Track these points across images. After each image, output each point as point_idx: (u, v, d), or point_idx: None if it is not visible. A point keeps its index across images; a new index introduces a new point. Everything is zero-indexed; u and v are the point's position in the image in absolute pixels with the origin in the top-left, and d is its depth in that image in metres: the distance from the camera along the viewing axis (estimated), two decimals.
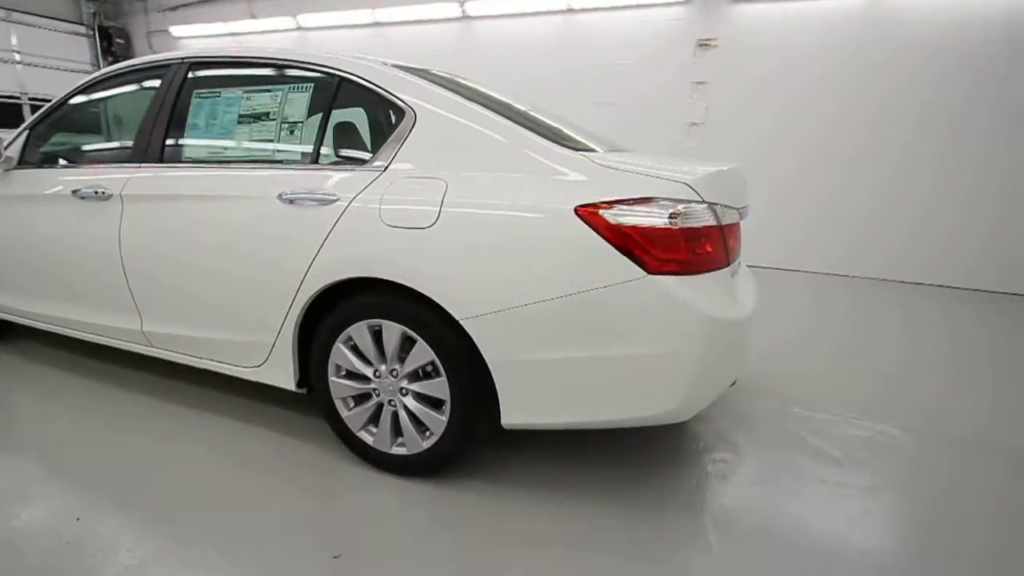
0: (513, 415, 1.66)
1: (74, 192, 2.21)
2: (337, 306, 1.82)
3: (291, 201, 1.81)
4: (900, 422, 2.36)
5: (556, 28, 5.91)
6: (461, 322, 1.61)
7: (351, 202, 1.72)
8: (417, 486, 1.83)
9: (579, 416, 1.65)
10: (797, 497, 1.85)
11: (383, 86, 1.81)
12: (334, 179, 1.80)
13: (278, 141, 1.93)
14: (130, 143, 2.20)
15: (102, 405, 2.32)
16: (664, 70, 5.50)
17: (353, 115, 1.99)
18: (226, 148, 2.02)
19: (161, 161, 2.11)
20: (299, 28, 7.14)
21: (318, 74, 1.91)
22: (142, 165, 2.13)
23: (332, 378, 1.88)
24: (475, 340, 1.61)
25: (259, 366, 2.02)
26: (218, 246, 1.94)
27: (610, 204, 1.52)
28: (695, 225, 1.52)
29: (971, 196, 4.74)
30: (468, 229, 1.61)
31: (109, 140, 2.53)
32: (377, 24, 6.61)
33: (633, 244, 1.49)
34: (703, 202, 1.54)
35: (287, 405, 2.31)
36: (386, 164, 1.76)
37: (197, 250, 1.99)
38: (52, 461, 1.93)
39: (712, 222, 1.56)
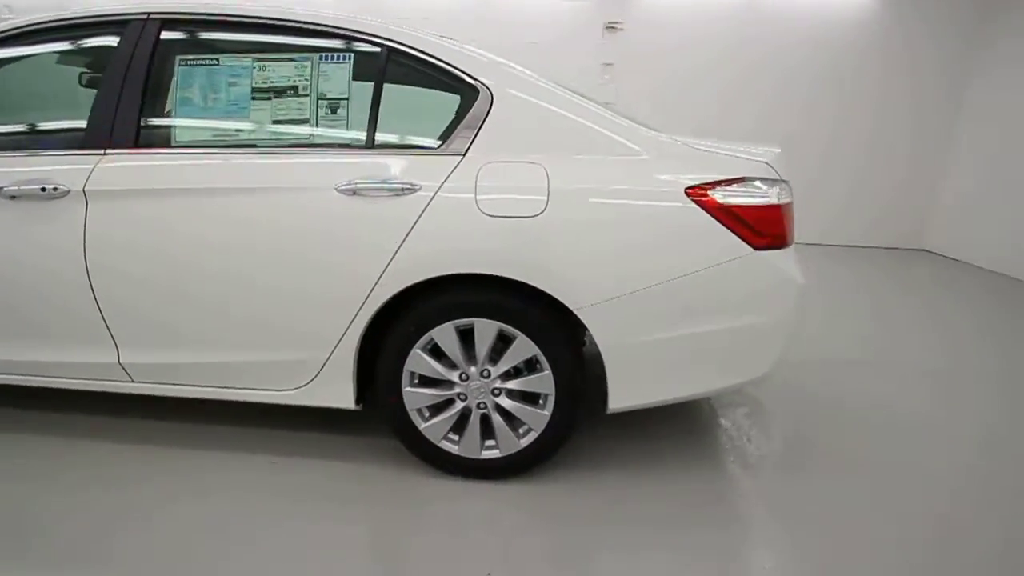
0: (621, 399, 1.66)
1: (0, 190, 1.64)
2: (413, 308, 1.63)
3: (354, 192, 1.55)
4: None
5: (468, 3, 5.70)
6: (576, 311, 1.55)
7: (437, 191, 1.54)
8: (499, 487, 1.74)
9: (682, 391, 1.71)
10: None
11: (451, 62, 1.62)
12: (404, 166, 1.58)
13: (316, 121, 1.63)
14: (77, 123, 1.68)
15: (124, 469, 1.79)
16: (576, 51, 5.64)
17: (407, 92, 1.74)
18: (240, 129, 1.65)
19: (137, 146, 1.65)
20: None
21: (363, 43, 1.64)
22: (107, 152, 1.65)
23: (407, 388, 1.69)
24: (590, 328, 1.57)
25: (303, 387, 1.73)
26: (250, 251, 1.60)
27: (713, 185, 1.57)
28: (786, 202, 1.63)
29: (836, 158, 5.69)
30: (579, 215, 1.54)
31: (33, 118, 1.87)
32: None
33: (741, 222, 1.56)
34: (782, 180, 1.67)
35: (322, 428, 2.01)
36: (464, 148, 1.59)
37: (213, 258, 1.62)
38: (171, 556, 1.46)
39: (791, 199, 1.70)
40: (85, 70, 1.93)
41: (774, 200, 1.59)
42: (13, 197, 1.63)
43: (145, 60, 1.65)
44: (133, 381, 1.80)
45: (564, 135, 1.61)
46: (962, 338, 3.35)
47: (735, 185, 1.58)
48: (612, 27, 5.63)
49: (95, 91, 1.70)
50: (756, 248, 1.57)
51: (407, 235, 1.54)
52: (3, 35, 1.75)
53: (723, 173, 1.59)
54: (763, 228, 1.58)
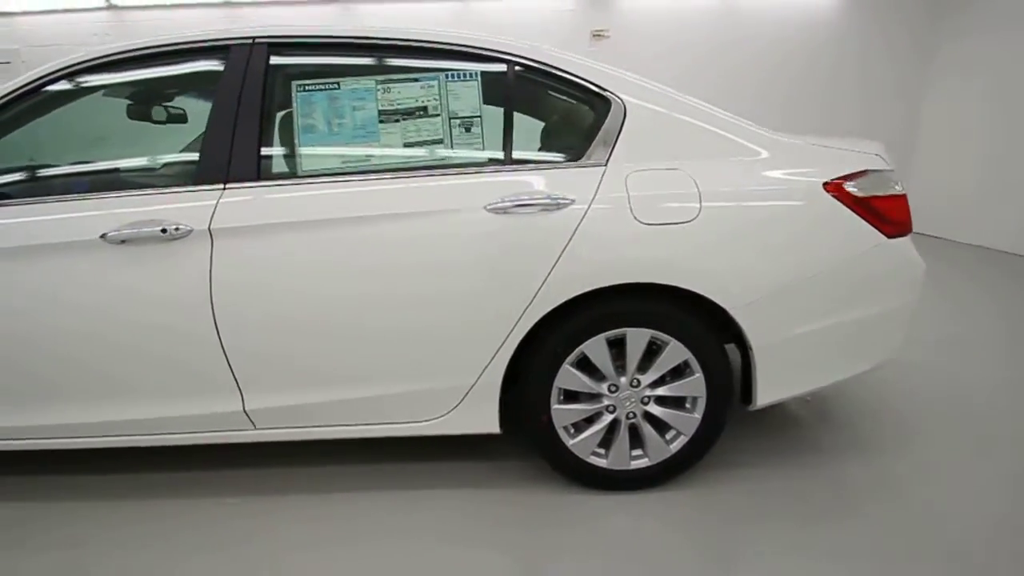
0: (766, 395, 1.69)
1: (103, 236, 1.49)
2: (564, 324, 1.60)
3: (504, 211, 1.52)
4: None
5: (451, 15, 5.70)
6: (731, 312, 1.57)
7: (591, 203, 1.52)
8: (634, 497, 1.73)
9: (822, 380, 1.76)
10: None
11: (580, 75, 1.62)
12: (551, 180, 1.56)
13: (450, 141, 1.58)
14: (181, 156, 1.56)
15: (245, 524, 1.65)
16: None
17: (537, 107, 1.71)
18: (371, 154, 1.58)
19: (260, 178, 1.55)
20: (226, 3, 5.70)
21: (489, 60, 1.61)
22: (227, 186, 1.54)
23: (556, 406, 1.66)
24: (743, 327, 1.59)
25: (444, 416, 1.67)
26: (394, 279, 1.53)
27: (847, 179, 1.63)
28: (904, 191, 1.72)
29: None
30: (730, 217, 1.56)
31: (122, 154, 1.70)
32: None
33: (875, 213, 1.63)
34: (892, 170, 1.75)
35: (443, 456, 1.94)
36: (605, 159, 1.58)
37: (353, 290, 1.53)
38: None
39: None
40: (130, 101, 1.81)
41: (900, 190, 1.67)
42: (123, 242, 1.50)
43: (258, 87, 1.56)
44: (256, 428, 1.68)
45: (694, 141, 1.64)
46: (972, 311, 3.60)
47: (863, 178, 1.65)
48: (599, 35, 5.76)
49: (173, 123, 1.60)
50: (888, 236, 1.64)
51: (564, 249, 1.52)
52: (84, 66, 1.61)
53: (849, 167, 1.66)
54: (893, 217, 1.65)
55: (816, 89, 5.81)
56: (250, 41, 1.60)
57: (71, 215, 1.53)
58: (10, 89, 1.58)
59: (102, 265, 1.51)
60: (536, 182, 1.56)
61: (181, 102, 1.74)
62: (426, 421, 1.68)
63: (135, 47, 1.60)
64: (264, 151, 1.56)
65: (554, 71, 1.62)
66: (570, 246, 1.52)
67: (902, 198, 1.67)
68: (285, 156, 1.61)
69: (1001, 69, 5.09)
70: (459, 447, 1.95)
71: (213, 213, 1.51)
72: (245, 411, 1.64)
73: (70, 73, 1.59)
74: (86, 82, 1.64)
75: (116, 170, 1.70)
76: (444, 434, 1.71)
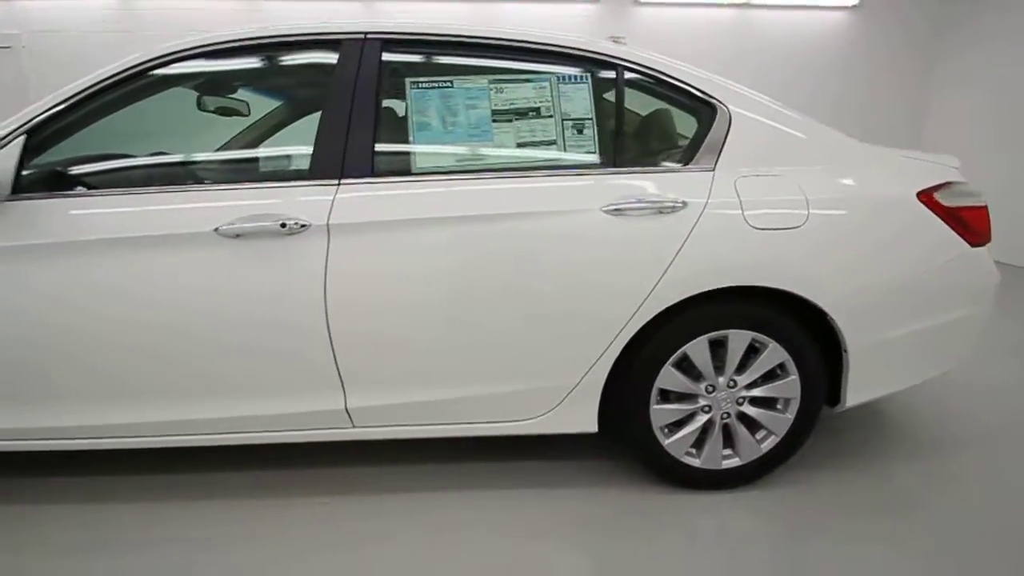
0: (854, 396, 1.74)
1: (216, 230, 1.46)
2: (666, 324, 1.62)
3: (620, 212, 1.54)
4: None
5: (469, 15, 5.70)
6: (832, 316, 1.62)
7: (704, 207, 1.55)
8: (721, 497, 1.77)
9: (903, 383, 1.82)
10: None
11: (686, 81, 1.65)
12: (664, 183, 1.58)
13: (563, 143, 1.59)
14: (296, 150, 1.54)
15: (353, 525, 1.62)
16: None
17: (644, 111, 1.74)
18: (484, 153, 1.58)
19: (375, 175, 1.54)
20: None
21: (599, 63, 1.63)
22: (342, 182, 1.52)
23: (654, 406, 1.69)
24: (842, 330, 1.64)
25: (545, 415, 1.67)
26: (504, 278, 1.53)
27: (936, 189, 1.70)
28: (985, 203, 1.80)
29: None
30: (834, 224, 1.61)
31: (229, 145, 1.66)
32: None
33: (961, 223, 1.70)
34: (966, 183, 1.83)
35: (530, 456, 1.95)
36: (712, 164, 1.62)
37: (463, 289, 1.53)
38: None
39: None
40: (199, 92, 1.78)
41: (982, 201, 1.75)
42: (238, 236, 1.47)
43: (372, 83, 1.55)
44: (354, 427, 1.66)
45: (794, 148, 1.69)
46: None
47: (949, 189, 1.72)
48: (616, 40, 5.81)
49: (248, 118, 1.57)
50: (971, 245, 1.72)
51: (678, 251, 1.54)
52: (183, 54, 1.57)
53: (936, 179, 1.73)
54: (976, 226, 1.73)
55: (826, 100, 5.98)
56: (362, 36, 1.58)
57: (182, 207, 1.49)
58: (113, 72, 1.54)
59: (214, 259, 1.47)
60: (649, 185, 1.58)
61: (287, 94, 1.71)
62: (525, 420, 1.69)
63: (246, 36, 1.57)
64: (378, 148, 1.56)
65: (663, 77, 1.65)
66: (684, 248, 1.55)
67: (984, 209, 1.74)
68: (400, 154, 1.60)
69: (1003, 82, 5.31)
70: (543, 447, 1.96)
71: (331, 209, 1.49)
72: (346, 409, 1.62)
73: (176, 59, 1.55)
74: (192, 69, 1.61)
75: (224, 161, 1.66)
76: (541, 433, 1.72)
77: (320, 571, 1.47)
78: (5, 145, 1.50)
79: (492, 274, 1.54)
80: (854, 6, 5.68)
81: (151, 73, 1.56)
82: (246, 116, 1.84)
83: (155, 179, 1.59)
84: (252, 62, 1.66)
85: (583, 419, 1.69)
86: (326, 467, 1.90)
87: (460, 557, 1.52)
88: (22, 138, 1.51)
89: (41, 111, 1.53)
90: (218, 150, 1.67)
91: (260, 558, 1.51)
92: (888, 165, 1.75)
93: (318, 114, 1.57)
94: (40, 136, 1.54)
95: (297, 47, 1.61)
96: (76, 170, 1.62)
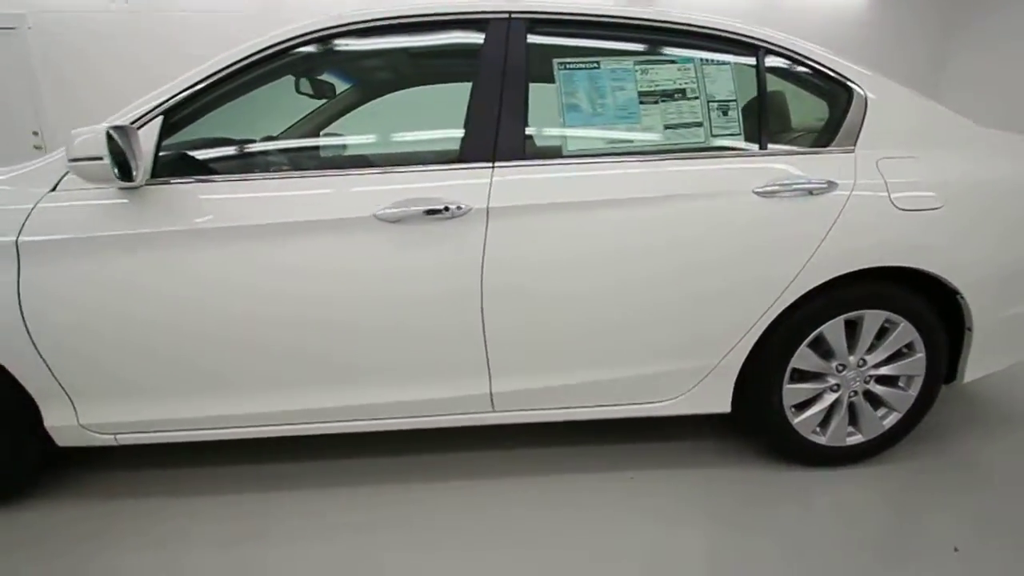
0: (972, 372, 1.79)
1: (375, 215, 1.43)
2: (805, 305, 1.64)
3: (772, 194, 1.54)
4: None
5: None
6: (965, 295, 1.66)
7: (853, 188, 1.57)
8: (845, 472, 1.81)
9: (1008, 360, 1.87)
10: None
11: (826, 64, 1.65)
12: (810, 165, 1.59)
13: (709, 125, 1.59)
14: (445, 132, 1.50)
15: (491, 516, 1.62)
16: None
17: (785, 93, 1.73)
18: (634, 136, 1.56)
19: (526, 157, 1.52)
20: None
21: (741, 44, 1.62)
22: (496, 165, 1.50)
23: (787, 385, 1.71)
24: (972, 309, 1.68)
25: (680, 396, 1.69)
26: (652, 260, 1.53)
27: None
28: None
29: None
30: (971, 205, 1.64)
31: (376, 128, 1.60)
32: None
33: None
34: None
35: (649, 437, 1.97)
36: (852, 146, 1.63)
37: (614, 271, 1.53)
38: None
39: None
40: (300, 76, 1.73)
41: None
42: (395, 220, 1.44)
43: (521, 63, 1.52)
44: (494, 411, 1.66)
45: (926, 132, 1.70)
46: None
47: None
48: None
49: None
50: None
51: (828, 232, 1.56)
52: (334, 31, 1.52)
53: None
54: None
55: None
56: (506, 15, 1.55)
57: (338, 191, 1.46)
58: (252, 51, 1.48)
59: (372, 243, 1.45)
60: (797, 166, 1.59)
61: (436, 75, 1.67)
62: (663, 402, 1.70)
63: (388, 15, 1.52)
64: (530, 130, 1.53)
65: (803, 59, 1.64)
66: (834, 229, 1.56)
67: None
68: (550, 136, 1.58)
69: (1012, 83, 5.42)
70: (664, 427, 1.99)
71: (489, 192, 1.47)
72: (490, 394, 1.62)
73: (320, 38, 1.50)
74: (336, 47, 1.56)
75: (374, 144, 1.62)
76: (675, 414, 1.74)
77: (474, 554, 1.49)
78: (142, 126, 1.44)
79: (646, 257, 1.53)
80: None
81: (292, 52, 1.50)
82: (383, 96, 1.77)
83: (301, 163, 1.54)
84: (395, 42, 1.61)
85: (718, 400, 1.72)
86: (444, 453, 1.91)
87: (587, 540, 1.54)
88: (159, 119, 1.46)
89: (177, 91, 1.47)
90: (359, 133, 1.63)
91: (402, 540, 1.52)
92: (1011, 146, 1.78)
93: (456, 94, 1.54)
94: (175, 117, 1.48)
95: (442, 26, 1.57)
96: (210, 153, 1.56)
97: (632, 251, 1.53)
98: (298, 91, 1.80)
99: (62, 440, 1.58)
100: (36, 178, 1.46)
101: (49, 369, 1.47)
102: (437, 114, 1.60)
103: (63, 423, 1.54)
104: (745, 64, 1.63)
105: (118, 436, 1.58)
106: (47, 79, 5.47)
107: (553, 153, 1.56)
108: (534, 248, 1.50)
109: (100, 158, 1.26)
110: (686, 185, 1.54)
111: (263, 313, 1.47)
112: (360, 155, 1.66)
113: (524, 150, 1.52)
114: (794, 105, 1.77)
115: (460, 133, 1.52)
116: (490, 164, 1.50)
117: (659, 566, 1.45)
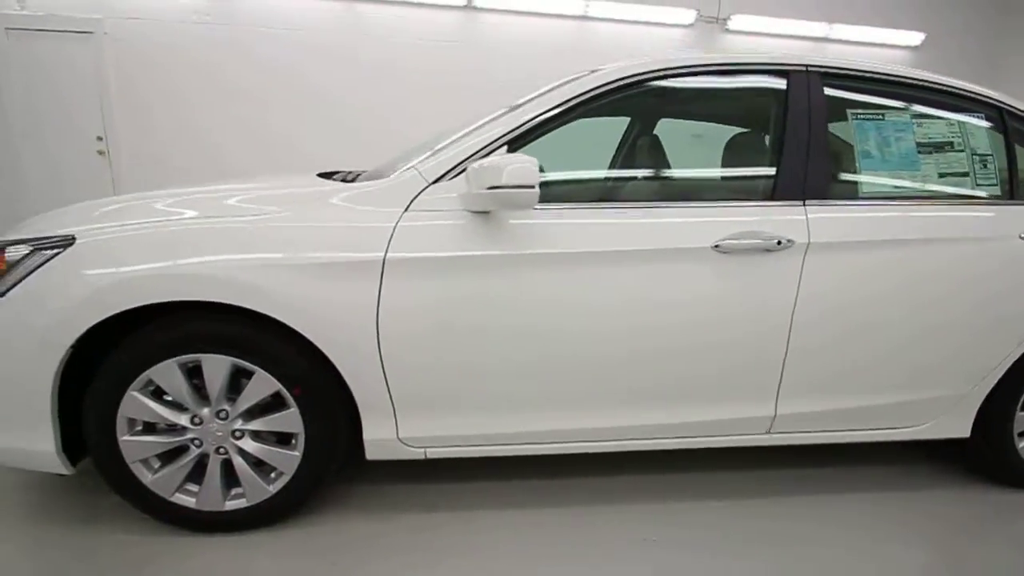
0: None
1: (716, 247, 1.55)
2: None
3: None
4: None
5: (568, 33, 5.84)
6: None
7: None
8: None
9: None
10: None
11: None
12: None
13: (974, 175, 1.77)
14: (759, 171, 1.64)
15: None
16: None
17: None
18: (914, 182, 1.74)
19: (829, 196, 1.66)
20: None
21: (986, 106, 1.84)
22: (807, 203, 1.64)
23: (1020, 413, 1.88)
24: None
25: (928, 423, 1.84)
26: (945, 296, 1.70)
27: None
28: None
29: None
30: None
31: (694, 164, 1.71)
32: None
33: None
34: None
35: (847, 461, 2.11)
36: None
37: (913, 305, 1.69)
38: None
39: None
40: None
41: None
42: (725, 252, 1.56)
43: (822, 111, 1.68)
44: (768, 433, 1.76)
45: None
46: None
47: None
48: None
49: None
50: None
51: None
52: (641, 77, 1.66)
53: None
54: None
55: None
56: (804, 69, 1.72)
57: (682, 221, 1.58)
58: (593, 86, 1.61)
59: (706, 272, 1.57)
60: None
61: (743, 119, 1.81)
62: (913, 427, 1.84)
63: (703, 62, 1.68)
64: (834, 173, 1.69)
65: None
66: None
67: None
68: (848, 179, 1.73)
69: None
70: (846, 452, 2.12)
71: (808, 228, 1.61)
72: (773, 416, 1.73)
73: (653, 78, 1.66)
74: (663, 88, 1.71)
75: (696, 180, 1.75)
76: (919, 439, 1.87)
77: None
78: (488, 155, 1.53)
79: (934, 291, 1.70)
80: (918, 46, 6.21)
81: (621, 91, 1.63)
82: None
83: (635, 195, 1.64)
84: (711, 84, 1.77)
85: (960, 425, 1.87)
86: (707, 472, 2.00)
87: (787, 562, 1.62)
88: (503, 149, 1.55)
89: (522, 122, 1.57)
90: (677, 168, 1.76)
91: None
92: None
93: (755, 135, 1.69)
94: (516, 146, 1.57)
95: (747, 74, 1.73)
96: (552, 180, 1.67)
97: (922, 287, 1.69)
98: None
99: (373, 453, 1.60)
100: (388, 198, 1.52)
101: (386, 381, 1.51)
102: (743, 154, 1.74)
103: (382, 436, 1.57)
104: (994, 122, 1.84)
105: (428, 450, 1.62)
106: (117, 85, 5.41)
107: (850, 195, 1.72)
108: (844, 281, 1.64)
109: (532, 186, 1.34)
110: (962, 229, 1.72)
111: (597, 331, 1.55)
112: (683, 189, 1.80)
113: (829, 190, 1.67)
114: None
115: (771, 171, 1.66)
116: (802, 202, 1.64)
117: None
